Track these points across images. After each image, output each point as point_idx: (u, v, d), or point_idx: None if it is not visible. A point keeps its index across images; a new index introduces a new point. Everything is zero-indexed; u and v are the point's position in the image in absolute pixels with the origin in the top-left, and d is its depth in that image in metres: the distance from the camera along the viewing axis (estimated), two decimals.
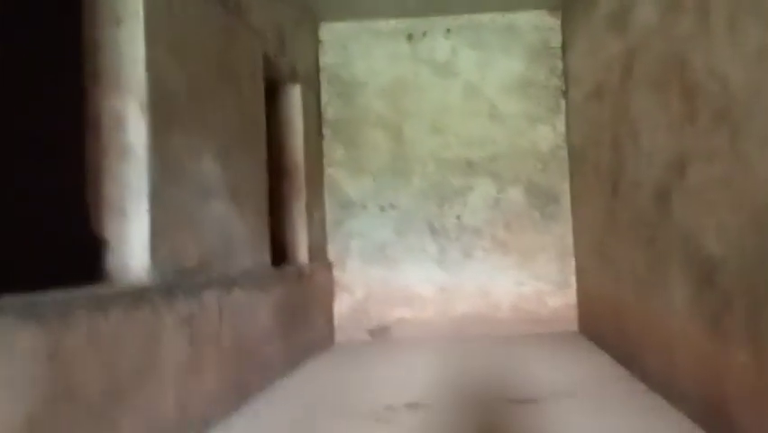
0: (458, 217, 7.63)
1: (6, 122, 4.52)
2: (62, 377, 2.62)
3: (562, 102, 7.55)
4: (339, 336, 7.57)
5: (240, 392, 4.59)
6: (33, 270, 4.41)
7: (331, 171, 7.67)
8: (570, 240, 7.52)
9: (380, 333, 7.58)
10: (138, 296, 3.27)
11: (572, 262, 7.49)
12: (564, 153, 7.54)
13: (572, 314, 7.45)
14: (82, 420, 2.75)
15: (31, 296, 2.54)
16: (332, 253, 7.65)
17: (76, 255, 3.57)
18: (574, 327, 7.42)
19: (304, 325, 6.35)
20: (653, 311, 4.43)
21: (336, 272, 7.64)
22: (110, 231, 3.54)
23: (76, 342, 2.72)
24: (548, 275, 7.55)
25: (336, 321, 7.61)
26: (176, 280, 3.76)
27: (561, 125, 7.56)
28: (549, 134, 7.58)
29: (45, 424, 2.51)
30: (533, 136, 7.59)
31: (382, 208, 7.64)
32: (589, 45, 6.18)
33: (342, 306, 7.63)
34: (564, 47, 7.47)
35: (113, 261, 3.54)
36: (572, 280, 7.49)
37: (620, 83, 5.01)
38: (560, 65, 7.58)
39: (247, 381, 4.73)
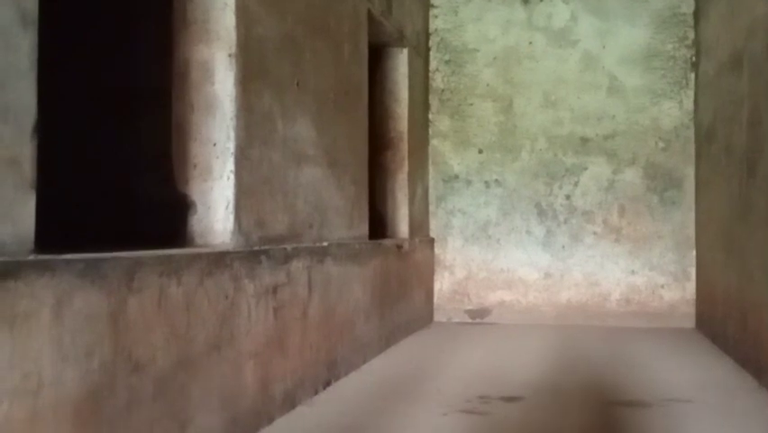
0: (568, 198, 7.18)
1: (92, 75, 4.38)
2: (126, 344, 2.39)
3: (691, 75, 6.95)
4: (437, 316, 7.28)
5: (329, 370, 4.33)
6: (117, 234, 4.26)
7: (435, 143, 7.33)
8: (691, 229, 6.95)
9: (480, 315, 7.24)
10: (215, 260, 3.02)
11: (693, 254, 6.92)
12: (690, 133, 6.95)
13: (689, 310, 6.90)
14: (148, 392, 2.52)
15: (94, 255, 2.30)
16: (433, 229, 7.32)
17: (164, 219, 3.37)
18: (690, 323, 6.87)
19: (401, 302, 6.06)
20: None
21: (437, 250, 7.31)
22: (194, 192, 3.32)
23: (142, 307, 2.48)
24: (664, 266, 7.00)
25: (435, 300, 7.29)
26: (261, 246, 3.51)
27: (688, 101, 6.96)
28: (674, 111, 7.00)
29: (107, 395, 2.28)
30: (655, 113, 7.03)
31: (487, 185, 7.26)
32: (728, 8, 5.58)
33: (441, 285, 7.30)
34: (697, 13, 6.85)
35: (197, 224, 3.32)
36: (692, 272, 6.92)
37: (765, 51, 4.44)
38: (690, 34, 6.96)
39: (337, 358, 4.47)
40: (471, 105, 7.28)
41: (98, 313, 2.24)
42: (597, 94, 7.12)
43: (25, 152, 2.02)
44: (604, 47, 7.11)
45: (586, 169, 7.14)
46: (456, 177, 7.31)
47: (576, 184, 7.16)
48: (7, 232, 1.95)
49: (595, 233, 7.13)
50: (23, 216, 2.01)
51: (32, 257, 2.01)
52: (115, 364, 2.33)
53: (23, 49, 2.02)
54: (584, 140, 7.13)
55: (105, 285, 2.28)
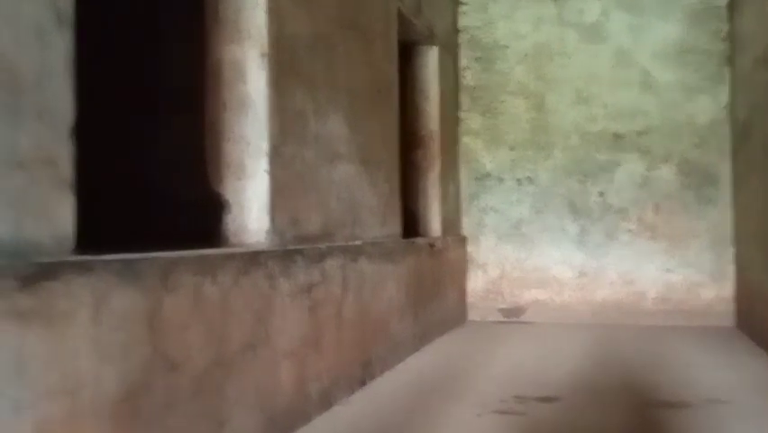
0: (601, 196, 7.09)
1: (127, 76, 4.41)
2: (163, 344, 2.39)
3: (726, 70, 6.82)
4: (471, 315, 7.23)
5: (364, 369, 4.31)
6: (150, 233, 4.27)
7: (466, 141, 7.28)
8: (728, 226, 6.82)
9: (514, 314, 7.18)
10: (250, 260, 3.01)
11: (730, 252, 6.79)
12: (726, 128, 6.83)
13: (728, 308, 6.77)
14: (185, 391, 2.51)
15: (131, 255, 2.30)
16: (465, 227, 7.28)
17: (197, 218, 3.37)
18: (728, 322, 6.74)
19: (434, 301, 6.03)
20: None
21: (470, 248, 7.26)
22: (228, 192, 3.31)
23: (178, 306, 2.47)
24: (701, 264, 6.89)
25: (469, 299, 7.25)
26: (296, 245, 3.50)
27: (723, 96, 6.84)
28: (708, 106, 6.88)
29: (145, 394, 2.28)
30: (690, 108, 6.91)
31: (519, 183, 7.19)
32: (762, 1, 5.47)
33: (474, 283, 7.25)
34: (731, 5, 6.73)
35: (231, 223, 3.32)
36: (729, 270, 6.79)
37: None
38: (725, 27, 6.83)
39: (372, 357, 4.45)
40: (503, 102, 7.22)
41: (135, 313, 2.24)
42: (630, 90, 7.02)
43: (62, 152, 2.02)
44: (636, 42, 7.01)
45: (620, 166, 7.05)
46: (488, 175, 7.26)
47: (610, 181, 7.07)
48: (46, 232, 1.95)
49: (630, 230, 7.03)
50: (62, 216, 2.02)
51: (70, 257, 2.01)
52: (152, 364, 2.33)
53: (59, 49, 2.03)
54: (617, 136, 7.04)
55: (141, 285, 2.28)
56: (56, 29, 2.01)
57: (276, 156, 3.35)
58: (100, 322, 2.08)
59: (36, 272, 1.84)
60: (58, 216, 2.00)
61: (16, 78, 1.88)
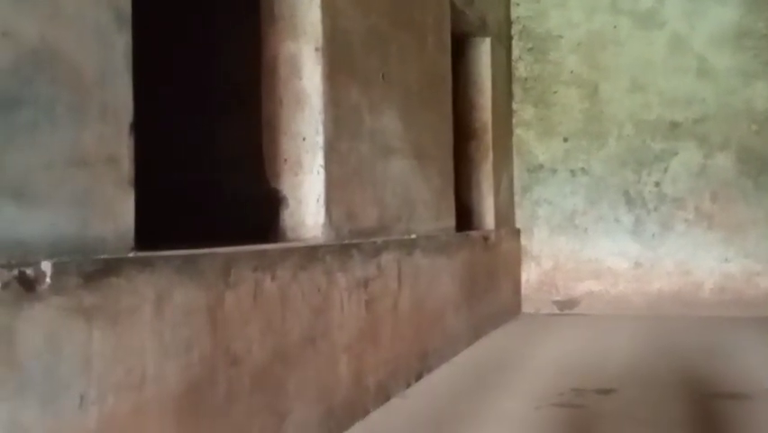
0: (657, 185, 6.96)
1: (183, 74, 4.45)
2: (224, 339, 2.41)
3: None
4: (525, 307, 7.17)
5: (421, 362, 4.31)
6: (208, 229, 4.32)
7: (519, 132, 7.21)
8: None
9: (568, 306, 7.10)
10: (308, 255, 3.02)
11: None
12: None
13: None
14: (246, 385, 2.53)
15: (191, 251, 2.33)
16: (518, 219, 7.22)
17: (254, 214, 3.40)
18: None
19: (489, 294, 6.00)
20: None
21: (523, 240, 7.20)
22: (285, 187, 3.34)
23: (238, 301, 2.49)
24: (760, 254, 6.72)
25: (523, 291, 7.19)
26: (352, 240, 3.50)
27: None
28: (767, 92, 6.70)
29: (207, 388, 2.31)
30: (748, 95, 6.74)
31: (573, 173, 7.10)
32: None
33: (528, 276, 7.19)
34: None
35: (288, 219, 3.34)
36: None
37: None
38: None
39: (428, 350, 4.44)
40: (556, 92, 7.13)
41: (197, 308, 2.27)
42: (686, 77, 6.87)
43: (123, 149, 2.05)
44: (692, 28, 6.85)
45: (676, 154, 6.91)
46: (541, 166, 7.18)
47: (665, 170, 6.93)
48: (108, 229, 1.98)
49: (686, 220, 6.89)
50: (123, 213, 2.04)
51: (132, 254, 2.04)
52: (214, 358, 2.35)
53: (119, 48, 2.05)
54: (673, 124, 6.90)
55: (202, 280, 2.30)
56: (116, 28, 2.04)
57: (331, 151, 3.35)
58: (162, 317, 2.10)
59: (100, 269, 1.87)
60: (120, 213, 2.03)
61: (79, 77, 1.91)
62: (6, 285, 1.60)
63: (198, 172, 4.48)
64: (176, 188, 4.57)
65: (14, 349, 1.62)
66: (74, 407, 1.78)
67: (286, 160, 3.32)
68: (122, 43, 2.06)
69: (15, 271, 1.62)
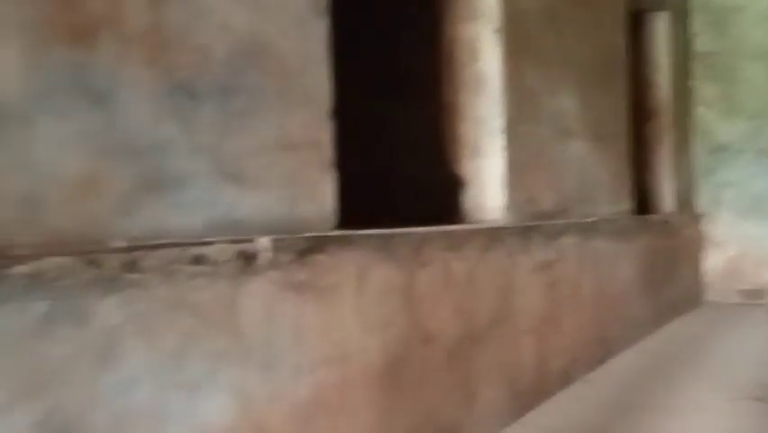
0: None
1: (369, 62, 4.55)
2: (418, 317, 2.47)
3: None
4: (708, 296, 6.84)
5: (601, 347, 4.23)
6: (387, 214, 4.41)
7: (700, 111, 6.88)
8: None
9: (756, 296, 6.71)
10: (492, 236, 3.04)
11: None
12: None
13: None
14: (439, 363, 2.59)
15: (386, 231, 2.40)
16: (700, 203, 6.90)
17: (431, 198, 3.45)
18: None
19: (670, 281, 5.78)
20: None
21: (706, 225, 6.88)
22: (465, 171, 3.36)
23: (430, 280, 2.55)
24: None
25: (706, 279, 6.87)
26: (532, 222, 3.49)
27: None
28: None
29: (404, 365, 2.37)
30: None
31: (760, 154, 6.69)
32: None
33: (711, 263, 6.86)
34: None
35: (469, 201, 3.36)
36: None
37: None
38: None
39: (609, 335, 4.35)
40: (739, 68, 6.75)
41: (393, 286, 2.34)
42: None
43: (324, 134, 2.14)
44: None
45: None
46: (724, 147, 6.82)
47: None
48: (313, 209, 2.08)
49: None
50: (325, 194, 2.14)
51: (335, 232, 2.13)
52: (409, 336, 2.41)
53: (319, 36, 2.15)
54: None
55: (396, 259, 2.37)
56: (315, 18, 2.13)
57: (511, 134, 3.34)
58: (363, 294, 2.19)
59: (308, 246, 1.96)
60: (323, 194, 2.12)
61: (284, 65, 2.01)
62: (229, 260, 1.71)
63: (375, 157, 4.57)
64: (355, 174, 4.68)
65: (238, 320, 1.74)
66: (290, 376, 1.89)
67: (466, 144, 3.34)
68: (320, 32, 2.15)
69: (238, 247, 1.73)
